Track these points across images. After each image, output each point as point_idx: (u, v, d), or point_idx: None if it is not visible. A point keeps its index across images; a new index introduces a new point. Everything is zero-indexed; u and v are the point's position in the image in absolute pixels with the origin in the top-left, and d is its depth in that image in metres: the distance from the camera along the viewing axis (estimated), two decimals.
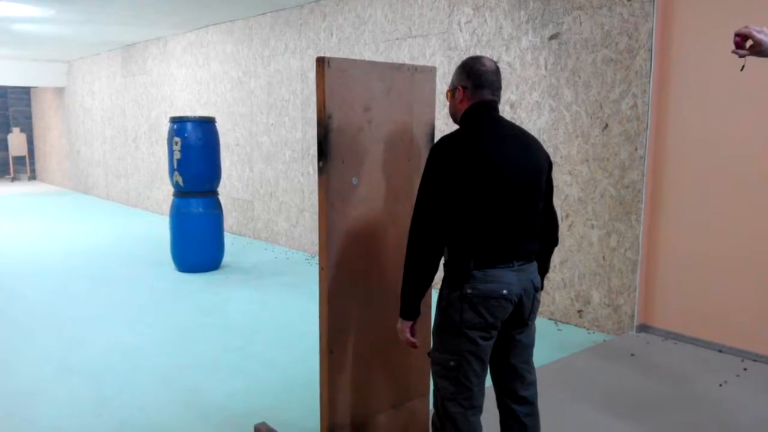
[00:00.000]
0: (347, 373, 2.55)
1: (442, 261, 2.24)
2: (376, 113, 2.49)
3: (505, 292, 2.12)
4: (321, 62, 2.30)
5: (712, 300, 4.20)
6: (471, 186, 2.10)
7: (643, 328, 4.51)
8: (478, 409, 2.24)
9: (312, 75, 7.05)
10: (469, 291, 2.13)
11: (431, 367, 2.30)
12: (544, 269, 2.39)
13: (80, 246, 8.00)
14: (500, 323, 2.18)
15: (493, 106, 2.24)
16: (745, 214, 4.02)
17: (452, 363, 2.19)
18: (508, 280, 2.13)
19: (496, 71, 2.24)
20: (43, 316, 5.07)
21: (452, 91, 2.28)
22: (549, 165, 2.30)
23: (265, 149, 8.04)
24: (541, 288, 2.33)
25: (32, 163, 17.54)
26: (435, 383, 2.28)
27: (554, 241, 2.43)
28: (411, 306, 2.22)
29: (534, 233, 2.24)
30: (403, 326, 2.24)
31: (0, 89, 17.21)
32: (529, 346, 2.34)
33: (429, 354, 2.31)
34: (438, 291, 2.25)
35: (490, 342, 2.19)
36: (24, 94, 17.54)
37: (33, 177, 17.51)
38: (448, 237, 2.16)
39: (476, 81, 2.21)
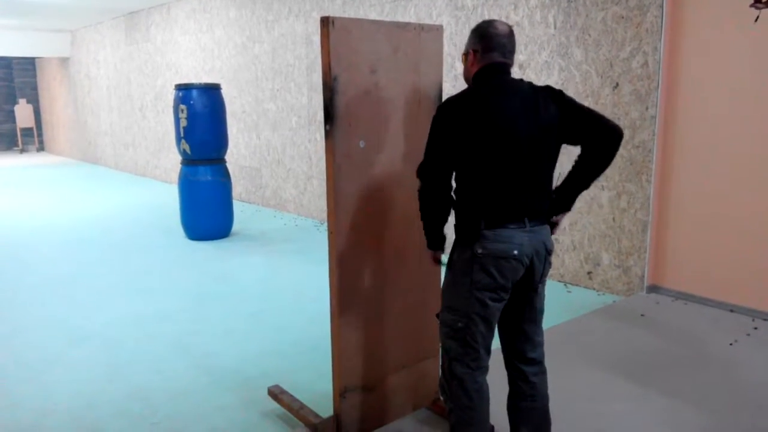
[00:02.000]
0: (358, 336, 2.57)
1: (453, 222, 2.24)
2: (382, 74, 2.45)
3: (516, 252, 2.11)
4: (325, 22, 2.26)
5: (723, 260, 4.18)
6: (475, 143, 2.09)
7: (654, 288, 4.51)
8: (484, 369, 2.26)
9: (317, 39, 6.96)
10: (479, 251, 2.12)
11: (439, 329, 2.31)
12: (588, 179, 2.25)
13: (91, 216, 8.05)
14: (511, 285, 2.17)
15: (503, 68, 2.20)
16: (757, 174, 3.97)
17: (460, 324, 2.20)
18: (519, 240, 2.12)
19: (509, 34, 2.21)
20: (57, 285, 5.12)
21: (465, 55, 2.28)
22: (565, 107, 2.18)
23: (271, 116, 7.99)
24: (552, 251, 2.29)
25: (40, 135, 17.57)
26: (442, 344, 2.30)
27: (608, 141, 2.17)
28: (432, 239, 2.33)
29: (545, 193, 2.22)
30: (429, 256, 2.42)
31: (5, 60, 17.14)
32: (540, 309, 2.34)
33: (437, 315, 2.32)
34: (446, 255, 2.25)
35: (499, 305, 2.19)
36: (29, 64, 17.47)
37: (41, 148, 17.55)
38: (458, 196, 2.19)
39: (486, 44, 2.19)
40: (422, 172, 2.20)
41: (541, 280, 2.27)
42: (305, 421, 2.73)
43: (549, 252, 2.24)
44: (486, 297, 2.15)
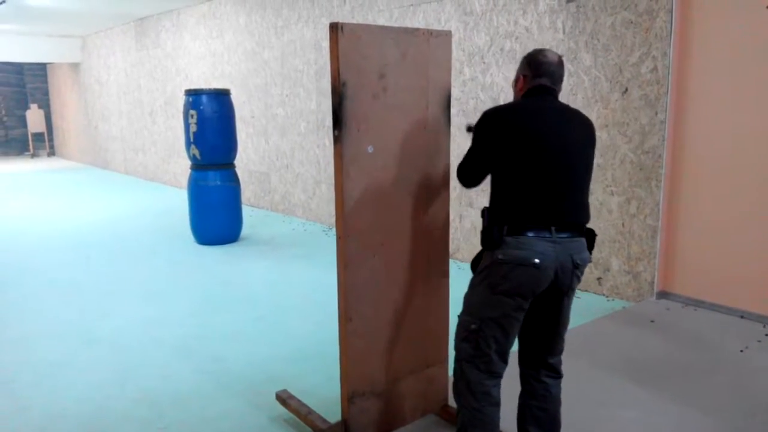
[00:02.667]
0: (366, 341, 2.56)
1: (480, 228, 2.27)
2: (390, 79, 2.45)
3: (537, 261, 2.10)
4: (334, 28, 2.27)
5: (734, 266, 4.15)
6: (508, 150, 2.17)
7: (663, 294, 4.48)
8: (495, 374, 2.24)
9: (326, 44, 6.98)
10: (500, 256, 2.13)
11: (456, 329, 2.32)
12: None
13: (100, 220, 8.09)
14: (532, 294, 2.16)
15: (549, 90, 2.29)
16: None
17: (473, 326, 2.21)
18: (541, 249, 2.11)
19: (559, 63, 2.31)
20: (66, 289, 5.15)
21: (515, 81, 2.39)
22: (593, 142, 2.32)
23: (280, 121, 8.01)
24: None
25: (51, 140, 17.69)
26: (456, 346, 2.31)
27: None
28: None
29: (580, 206, 2.23)
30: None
31: (16, 66, 17.29)
32: (564, 322, 2.34)
33: (459, 316, 2.34)
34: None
35: (517, 313, 2.17)
36: (40, 70, 17.61)
37: (52, 153, 17.68)
38: (490, 201, 2.26)
39: (536, 70, 2.29)
40: (460, 173, 2.38)
41: (567, 293, 2.25)
42: (313, 427, 2.73)
43: (576, 265, 2.20)
44: (502, 302, 2.15)
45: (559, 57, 2.33)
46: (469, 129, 2.58)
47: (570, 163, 2.19)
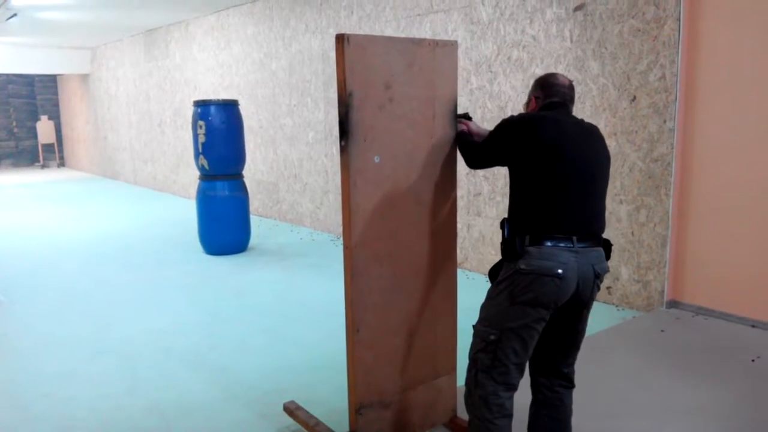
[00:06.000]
0: (374, 352, 2.55)
1: (500, 240, 2.27)
2: (397, 90, 2.46)
3: (560, 271, 2.09)
4: (341, 39, 2.28)
5: (744, 274, 4.11)
6: (529, 158, 2.18)
7: (673, 304, 4.45)
8: (511, 387, 2.22)
9: (333, 55, 7.01)
10: (522, 266, 2.12)
11: (472, 339, 2.29)
12: None
13: (110, 230, 8.13)
14: (554, 305, 2.14)
15: (563, 106, 2.34)
16: None
17: (492, 337, 2.18)
18: (564, 259, 2.11)
19: (570, 87, 2.38)
20: (76, 299, 5.16)
21: (526, 104, 2.44)
22: (609, 154, 2.35)
23: (288, 131, 8.04)
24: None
25: (61, 150, 17.82)
26: (472, 356, 2.27)
27: None
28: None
29: (601, 216, 2.26)
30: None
31: (27, 78, 17.46)
32: (582, 332, 2.33)
33: (474, 326, 2.31)
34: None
35: (537, 325, 2.15)
36: (51, 81, 17.77)
37: (62, 164, 17.80)
38: (509, 210, 2.28)
39: (548, 91, 2.35)
40: (470, 154, 2.50)
41: (587, 304, 2.24)
42: None
43: (597, 275, 2.21)
44: (524, 313, 2.13)
45: (570, 81, 2.40)
46: (460, 116, 2.63)
47: (590, 173, 2.21)
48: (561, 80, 2.36)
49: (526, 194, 2.20)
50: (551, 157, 2.16)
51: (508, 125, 2.30)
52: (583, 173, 2.18)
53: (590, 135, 2.29)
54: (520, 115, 2.34)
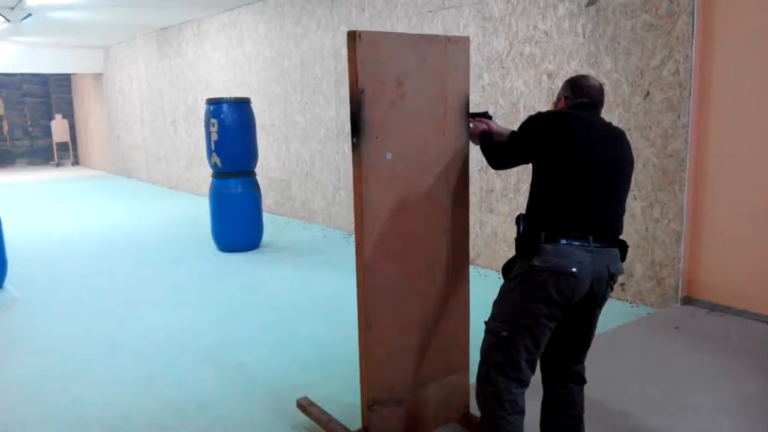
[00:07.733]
0: (386, 349, 2.55)
1: (515, 235, 2.27)
2: (409, 86, 2.45)
3: (574, 270, 2.09)
4: (352, 36, 2.27)
5: (759, 271, 4.07)
6: (555, 157, 2.17)
7: (688, 300, 4.41)
8: (523, 383, 2.22)
9: (344, 52, 7.00)
10: (536, 263, 2.12)
11: (484, 335, 2.29)
12: None
13: (124, 228, 8.19)
14: (568, 304, 2.14)
15: (592, 106, 2.33)
16: None
17: (504, 333, 2.18)
18: (579, 258, 2.10)
19: (600, 90, 2.37)
20: (90, 296, 5.21)
21: (555, 104, 2.44)
22: (633, 158, 2.35)
23: (300, 128, 8.05)
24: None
25: (75, 149, 17.96)
26: (484, 352, 2.27)
27: None
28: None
29: (619, 217, 2.26)
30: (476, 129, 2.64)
31: (42, 77, 17.61)
32: (593, 331, 2.32)
33: (486, 322, 2.30)
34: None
35: (550, 323, 2.15)
36: (65, 80, 17.91)
37: (76, 162, 17.94)
38: (528, 207, 2.27)
39: (577, 92, 2.34)
40: (493, 154, 2.45)
41: (600, 303, 2.24)
42: None
43: (612, 275, 2.20)
44: (537, 310, 2.13)
45: (600, 84, 2.39)
46: (480, 115, 2.61)
47: (613, 174, 2.21)
48: (592, 82, 2.36)
49: (548, 191, 2.19)
50: (580, 156, 2.15)
51: (538, 120, 2.28)
52: (607, 175, 2.18)
53: (617, 138, 2.28)
54: (551, 112, 2.33)
